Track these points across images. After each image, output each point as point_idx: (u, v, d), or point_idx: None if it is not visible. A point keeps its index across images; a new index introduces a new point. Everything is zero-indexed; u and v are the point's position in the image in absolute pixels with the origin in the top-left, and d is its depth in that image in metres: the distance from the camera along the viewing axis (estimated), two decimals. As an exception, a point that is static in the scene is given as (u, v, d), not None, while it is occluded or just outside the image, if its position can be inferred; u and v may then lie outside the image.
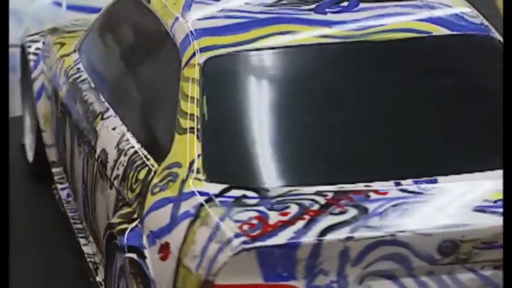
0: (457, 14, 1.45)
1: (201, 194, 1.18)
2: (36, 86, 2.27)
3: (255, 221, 1.12)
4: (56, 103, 2.05)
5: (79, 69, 2.01)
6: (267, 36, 1.39)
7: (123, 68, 1.77)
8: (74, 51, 2.13)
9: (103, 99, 1.75)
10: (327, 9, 1.45)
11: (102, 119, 1.70)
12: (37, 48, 2.26)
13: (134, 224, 1.33)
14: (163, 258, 1.20)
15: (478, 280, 1.10)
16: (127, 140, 1.54)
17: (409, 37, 1.39)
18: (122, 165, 1.49)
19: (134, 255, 1.26)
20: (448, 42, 1.39)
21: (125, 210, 1.39)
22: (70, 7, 2.02)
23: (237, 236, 1.07)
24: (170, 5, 1.55)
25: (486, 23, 1.47)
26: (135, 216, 1.33)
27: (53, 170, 2.12)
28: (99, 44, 1.99)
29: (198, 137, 1.27)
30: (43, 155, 2.17)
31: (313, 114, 1.30)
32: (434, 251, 1.08)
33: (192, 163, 1.25)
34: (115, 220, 1.39)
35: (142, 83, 1.62)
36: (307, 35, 1.40)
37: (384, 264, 1.07)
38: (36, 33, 2.34)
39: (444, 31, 1.39)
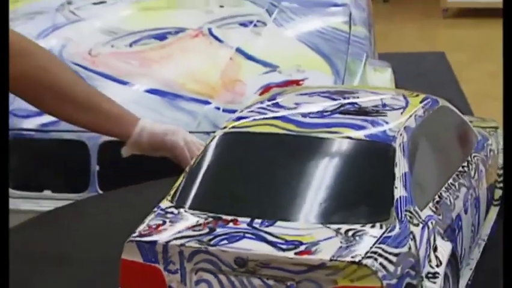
0: (381, 127, 1.42)
1: (158, 208, 1.40)
2: None
3: (153, 226, 1.38)
4: None
5: None
6: (256, 125, 1.47)
7: None
8: None
9: None
10: (309, 115, 1.48)
11: None
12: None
13: None
14: None
15: (264, 286, 1.27)
16: None
17: (326, 136, 1.38)
18: None
19: None
20: (350, 144, 1.37)
21: None
22: (225, 110, 2.33)
23: (136, 232, 1.29)
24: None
25: (396, 134, 1.37)
26: None
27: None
28: None
29: (182, 177, 1.45)
30: None
31: (234, 174, 1.41)
32: (232, 263, 1.28)
33: (170, 191, 1.44)
34: None
35: None
36: (276, 127, 1.43)
37: (206, 264, 1.31)
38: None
39: (360, 136, 1.38)
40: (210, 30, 2.61)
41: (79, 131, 2.15)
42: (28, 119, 2.20)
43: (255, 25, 2.65)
